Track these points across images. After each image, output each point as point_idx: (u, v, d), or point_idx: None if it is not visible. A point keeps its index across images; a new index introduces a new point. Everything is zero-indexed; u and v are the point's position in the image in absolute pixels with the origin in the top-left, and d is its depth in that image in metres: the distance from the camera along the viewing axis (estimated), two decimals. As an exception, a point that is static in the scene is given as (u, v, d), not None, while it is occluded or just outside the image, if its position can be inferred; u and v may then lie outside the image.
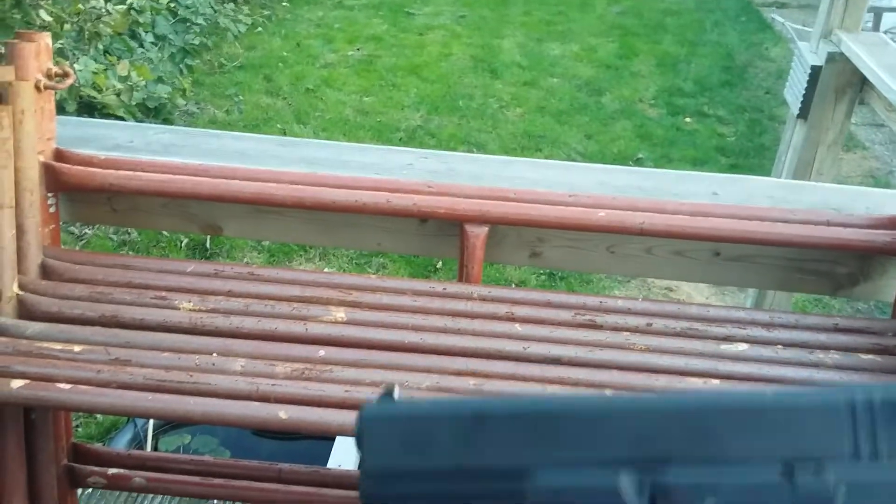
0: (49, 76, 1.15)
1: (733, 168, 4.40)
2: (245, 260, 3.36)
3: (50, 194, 1.11)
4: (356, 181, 1.15)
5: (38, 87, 1.13)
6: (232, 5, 5.85)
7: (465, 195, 1.13)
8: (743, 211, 1.12)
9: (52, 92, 1.16)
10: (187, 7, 5.08)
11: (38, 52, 1.14)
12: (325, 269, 3.03)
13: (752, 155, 4.54)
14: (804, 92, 2.00)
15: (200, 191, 1.09)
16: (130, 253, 3.20)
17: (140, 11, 4.04)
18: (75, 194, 1.17)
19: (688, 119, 5.01)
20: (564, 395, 0.22)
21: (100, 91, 3.56)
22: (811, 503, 0.25)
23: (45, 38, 1.18)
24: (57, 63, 1.16)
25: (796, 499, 0.24)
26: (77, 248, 2.94)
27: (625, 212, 1.12)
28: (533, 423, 0.26)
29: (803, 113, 1.99)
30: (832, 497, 0.24)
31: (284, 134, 4.60)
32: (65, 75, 1.17)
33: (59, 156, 1.14)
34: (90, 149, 1.23)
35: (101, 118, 3.58)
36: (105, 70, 3.62)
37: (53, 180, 1.10)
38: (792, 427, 0.24)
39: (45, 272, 1.01)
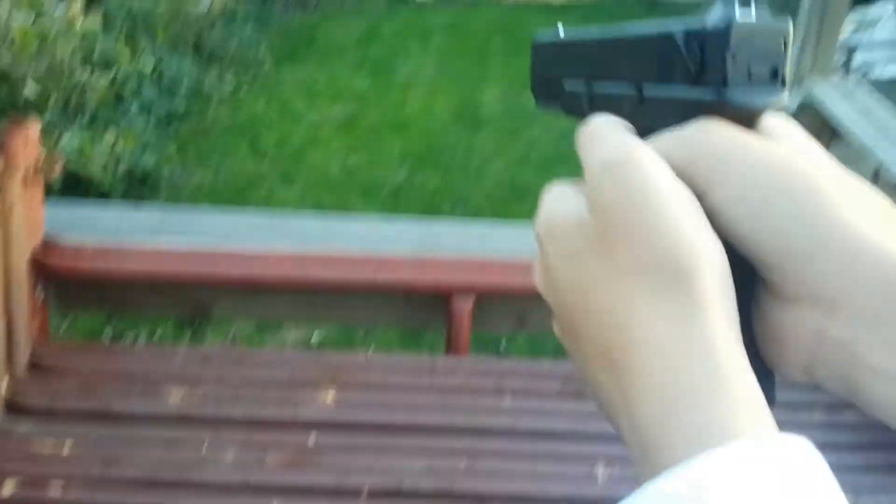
0: (38, 165, 1.17)
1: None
2: (233, 329, 3.33)
3: (39, 286, 1.12)
4: (342, 257, 1.16)
5: (27, 178, 1.15)
6: (217, 69, 5.93)
7: (450, 265, 1.15)
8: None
9: (41, 180, 1.18)
10: (172, 74, 5.15)
11: (28, 140, 1.16)
12: (314, 337, 3.01)
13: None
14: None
15: (189, 276, 1.10)
16: (118, 327, 3.16)
17: (126, 81, 4.10)
18: (64, 282, 1.18)
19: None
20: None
21: (85, 163, 3.58)
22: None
23: (35, 126, 1.20)
24: (47, 153, 1.18)
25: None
26: (64, 323, 2.92)
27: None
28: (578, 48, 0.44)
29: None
30: None
31: (271, 196, 4.63)
32: (54, 163, 1.19)
33: (48, 246, 1.15)
34: (79, 233, 1.25)
35: (86, 190, 3.60)
36: (91, 141, 3.65)
37: (42, 272, 1.11)
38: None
39: (34, 366, 1.01)
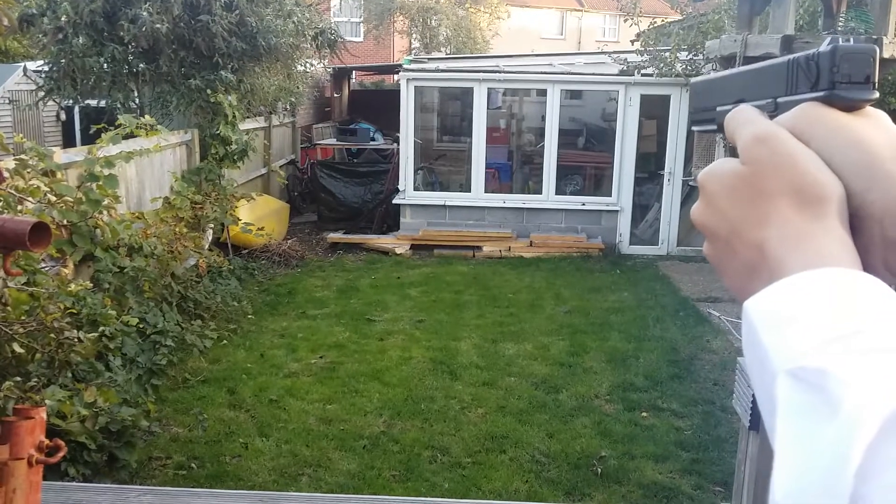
0: (41, 449, 1.22)
1: (695, 463, 4.45)
2: None
3: (29, 571, 1.12)
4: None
5: (30, 463, 1.19)
6: (199, 322, 6.08)
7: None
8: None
9: (43, 464, 1.22)
10: (155, 327, 5.28)
11: (34, 428, 1.21)
12: None
13: (711, 448, 4.62)
14: (751, 404, 2.11)
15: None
16: None
17: (112, 337, 4.20)
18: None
19: (644, 413, 5.13)
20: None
21: (64, 418, 3.57)
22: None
23: (41, 413, 1.26)
24: (51, 441, 1.23)
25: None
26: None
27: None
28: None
29: (754, 425, 2.07)
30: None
31: (246, 448, 4.57)
32: (56, 448, 1.24)
33: (42, 528, 1.17)
34: (71, 514, 1.26)
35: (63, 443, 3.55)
36: (71, 397, 3.66)
37: (35, 556, 1.12)
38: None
39: None
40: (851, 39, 0.49)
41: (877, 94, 0.49)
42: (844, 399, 0.37)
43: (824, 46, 0.49)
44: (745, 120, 0.52)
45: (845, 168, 0.47)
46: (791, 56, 0.51)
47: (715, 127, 0.59)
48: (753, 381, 0.45)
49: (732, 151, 0.52)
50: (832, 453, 0.37)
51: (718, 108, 0.58)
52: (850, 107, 0.49)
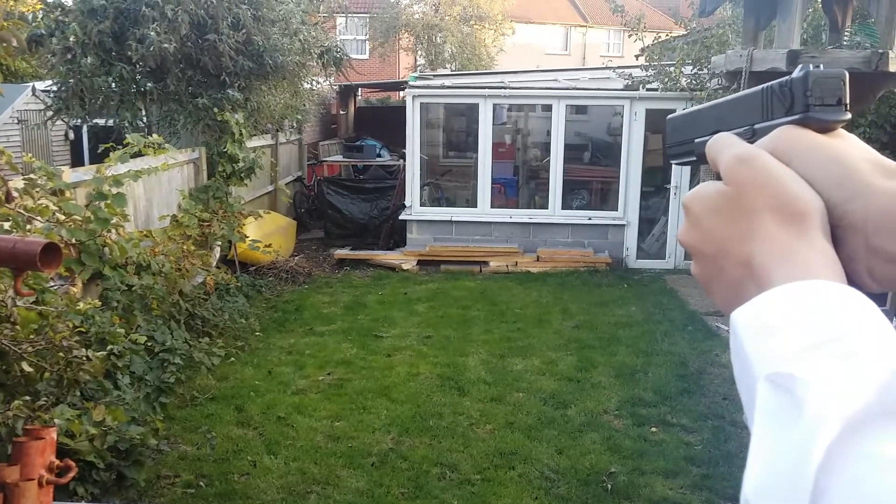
0: (51, 470, 1.22)
1: (705, 478, 4.41)
2: None
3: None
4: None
5: (40, 483, 1.19)
6: (207, 339, 6.08)
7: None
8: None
9: (53, 484, 1.22)
10: (163, 345, 5.28)
11: (44, 448, 1.22)
12: None
13: (722, 463, 4.58)
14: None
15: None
16: None
17: (120, 355, 4.20)
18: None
19: (654, 429, 5.10)
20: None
21: (73, 437, 3.57)
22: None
23: (52, 433, 1.26)
24: (60, 459, 1.23)
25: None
26: None
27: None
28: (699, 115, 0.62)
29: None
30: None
31: (255, 466, 4.56)
32: (67, 468, 1.24)
33: (52, 549, 1.17)
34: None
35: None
36: (79, 416, 3.66)
37: (45, 578, 1.12)
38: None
39: None
40: (822, 65, 0.52)
41: (849, 116, 0.51)
42: (809, 401, 0.40)
43: (797, 72, 0.52)
44: (725, 144, 0.54)
45: (826, 182, 0.49)
46: (765, 84, 0.54)
47: (694, 158, 0.61)
48: (740, 389, 0.47)
49: (717, 177, 0.54)
50: (797, 451, 0.40)
51: (696, 140, 0.60)
52: (825, 128, 0.51)
